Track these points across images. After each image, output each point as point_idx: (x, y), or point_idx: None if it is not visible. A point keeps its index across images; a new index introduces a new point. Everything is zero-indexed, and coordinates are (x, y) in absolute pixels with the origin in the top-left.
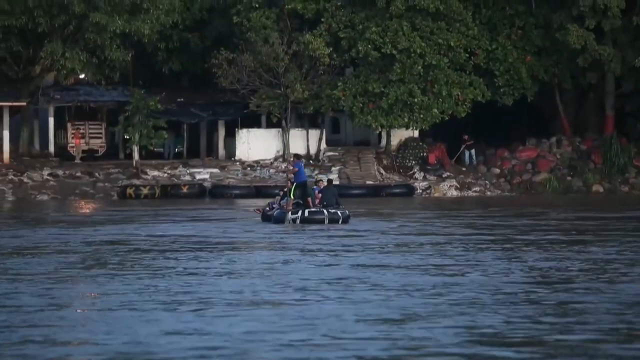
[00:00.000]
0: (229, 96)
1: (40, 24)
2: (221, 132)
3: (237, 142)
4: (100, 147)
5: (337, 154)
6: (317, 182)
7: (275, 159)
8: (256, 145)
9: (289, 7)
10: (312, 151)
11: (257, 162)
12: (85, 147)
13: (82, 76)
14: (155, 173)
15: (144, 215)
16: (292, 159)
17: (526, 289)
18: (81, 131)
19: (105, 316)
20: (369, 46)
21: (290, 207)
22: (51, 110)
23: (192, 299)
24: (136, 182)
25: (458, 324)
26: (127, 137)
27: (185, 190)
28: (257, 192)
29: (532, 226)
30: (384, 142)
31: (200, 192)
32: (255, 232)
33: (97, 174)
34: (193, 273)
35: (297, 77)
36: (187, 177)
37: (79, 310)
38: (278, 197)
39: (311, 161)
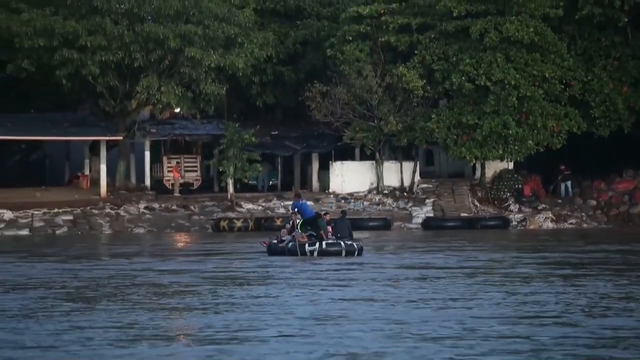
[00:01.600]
0: (323, 129)
1: (137, 58)
2: (315, 165)
3: (330, 175)
4: (196, 180)
5: (431, 186)
6: (320, 215)
7: (369, 191)
8: (350, 177)
9: (383, 39)
10: (406, 183)
11: (350, 194)
12: (181, 181)
13: (177, 110)
14: (250, 206)
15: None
16: (295, 198)
17: None
18: (186, 165)
19: None
20: (463, 78)
21: (305, 239)
22: (147, 144)
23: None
24: (231, 214)
25: None
26: (222, 170)
27: (278, 223)
28: (351, 224)
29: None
30: (478, 174)
31: (294, 225)
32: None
33: (192, 207)
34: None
35: (390, 110)
36: (282, 210)
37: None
38: (284, 230)
39: (405, 193)
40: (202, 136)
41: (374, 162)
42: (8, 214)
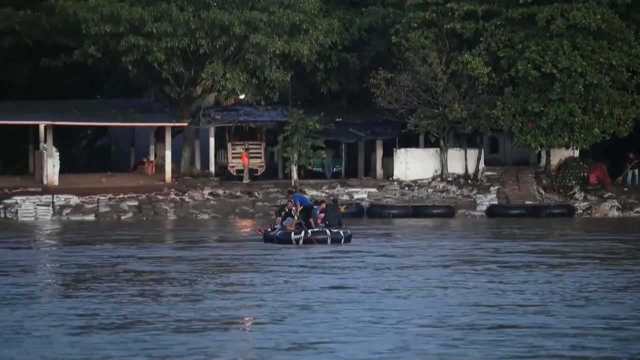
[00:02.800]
0: (387, 116)
1: (202, 45)
2: (379, 152)
3: (395, 162)
4: (260, 166)
5: (495, 173)
6: (318, 202)
7: (433, 178)
8: (414, 164)
9: (448, 26)
10: (470, 171)
11: (414, 181)
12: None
13: (242, 96)
14: (314, 192)
15: None
16: (289, 195)
17: None
18: (250, 151)
19: None
20: (529, 65)
21: (293, 228)
22: (212, 131)
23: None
24: None
25: None
26: (286, 156)
27: (342, 209)
28: (414, 211)
29: None
30: (543, 161)
31: (358, 212)
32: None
33: (256, 194)
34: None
35: (455, 97)
36: (345, 197)
37: None
38: (279, 218)
39: (469, 181)
40: (267, 123)
41: (438, 149)
42: (74, 200)
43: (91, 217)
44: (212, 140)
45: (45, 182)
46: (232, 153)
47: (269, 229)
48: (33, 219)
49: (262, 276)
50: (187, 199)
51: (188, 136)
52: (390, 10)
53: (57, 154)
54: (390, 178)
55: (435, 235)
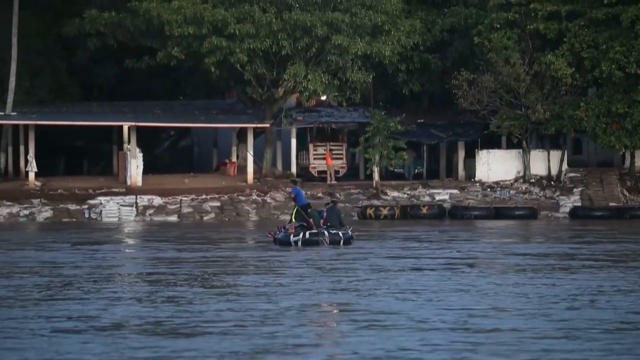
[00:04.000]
0: (469, 117)
1: (284, 46)
2: (461, 153)
3: (477, 163)
4: (341, 167)
5: (579, 175)
6: (326, 204)
7: (516, 180)
8: (496, 166)
9: (531, 27)
10: (553, 172)
11: (497, 183)
12: (325, 168)
13: (323, 98)
14: (395, 194)
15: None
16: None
17: None
18: (338, 152)
19: None
20: (613, 66)
21: (293, 230)
22: (293, 132)
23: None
24: (376, 202)
25: None
26: (368, 157)
27: (424, 211)
28: (496, 213)
29: None
30: (627, 163)
31: (439, 213)
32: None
33: (337, 194)
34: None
35: (538, 98)
36: (427, 198)
37: None
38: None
39: (552, 182)
40: (348, 124)
41: (520, 150)
42: (157, 200)
43: (174, 218)
44: (293, 142)
45: (128, 182)
46: (314, 154)
47: (278, 232)
48: (116, 219)
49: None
50: (268, 200)
51: (270, 137)
52: (472, 10)
53: (141, 154)
54: (472, 179)
55: (518, 236)
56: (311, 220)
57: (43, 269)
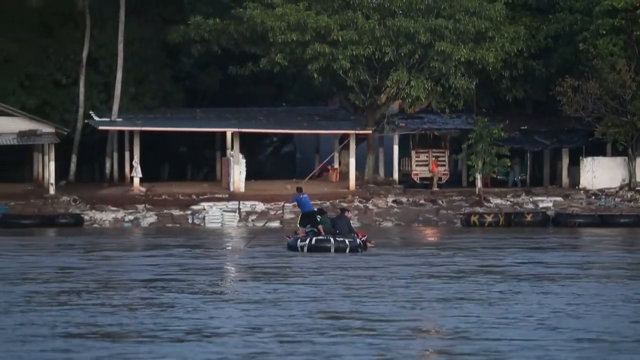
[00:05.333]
0: (573, 124)
1: (387, 53)
2: (565, 160)
3: (581, 170)
4: (444, 174)
5: None
6: (323, 211)
7: (621, 187)
8: (601, 173)
9: (637, 33)
10: None
11: (601, 190)
12: (429, 175)
13: (426, 104)
14: (498, 201)
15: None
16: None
17: None
18: (440, 159)
19: None
20: None
21: (302, 235)
22: (396, 138)
23: None
24: (479, 209)
25: None
26: (470, 164)
27: (528, 218)
28: (601, 221)
29: None
30: None
31: (543, 221)
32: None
33: (440, 201)
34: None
35: None
36: (530, 206)
37: None
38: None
39: None
40: (451, 130)
41: (626, 158)
42: (260, 206)
43: (276, 224)
44: (396, 148)
45: (231, 188)
46: (416, 161)
47: (292, 237)
48: (219, 225)
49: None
50: (370, 206)
51: (372, 144)
52: (577, 17)
53: (244, 160)
54: (577, 187)
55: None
56: (320, 226)
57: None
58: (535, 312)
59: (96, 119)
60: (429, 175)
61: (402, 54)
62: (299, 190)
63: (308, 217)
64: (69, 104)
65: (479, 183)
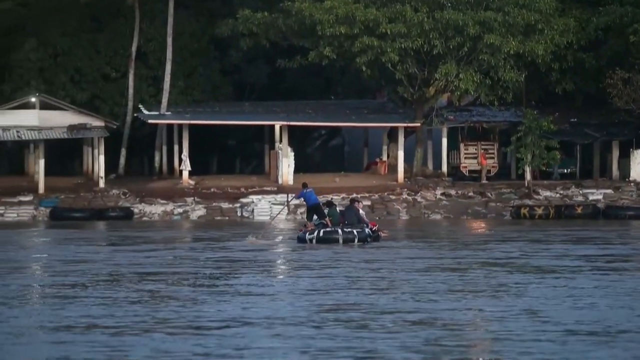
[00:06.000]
0: (624, 116)
1: (436, 46)
2: (615, 153)
3: (631, 163)
4: (493, 167)
5: None
6: (331, 204)
7: None
8: None
9: None
10: None
11: None
12: (478, 167)
13: (474, 97)
14: (547, 193)
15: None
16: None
17: None
18: (489, 152)
19: None
20: None
21: (311, 227)
22: (444, 131)
23: None
24: (528, 202)
25: None
26: (519, 157)
27: (579, 210)
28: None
29: None
30: None
31: (594, 213)
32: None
33: (489, 194)
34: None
35: None
36: (580, 198)
37: None
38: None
39: None
40: (500, 123)
41: None
42: None
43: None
44: (444, 141)
45: (280, 181)
46: (465, 153)
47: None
48: (268, 217)
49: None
50: (419, 199)
51: (421, 136)
52: (628, 9)
53: (292, 153)
54: (627, 179)
55: None
56: (328, 218)
57: None
58: None
59: (145, 112)
60: (477, 167)
61: (451, 47)
62: (304, 185)
63: (314, 210)
64: (118, 98)
65: (528, 175)
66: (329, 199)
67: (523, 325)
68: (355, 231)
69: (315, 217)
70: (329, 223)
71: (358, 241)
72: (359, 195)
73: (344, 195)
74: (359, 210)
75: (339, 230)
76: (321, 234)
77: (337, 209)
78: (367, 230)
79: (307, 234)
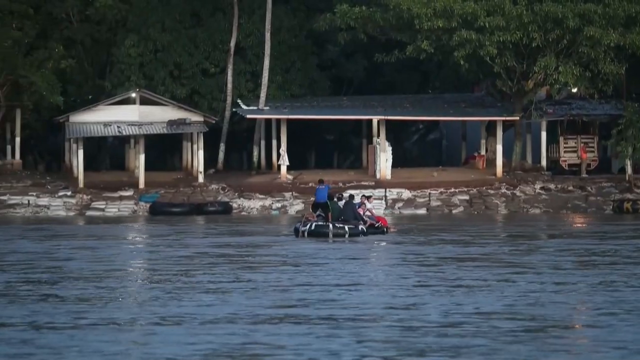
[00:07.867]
0: None
1: (535, 38)
2: None
3: None
4: (593, 161)
5: None
6: (341, 198)
7: None
8: None
9: None
10: None
11: None
12: (578, 161)
13: (574, 90)
14: None
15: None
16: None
17: None
18: (589, 145)
19: None
20: None
21: (312, 218)
22: (543, 124)
23: None
24: (629, 196)
25: None
26: (620, 151)
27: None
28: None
29: None
30: None
31: None
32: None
33: (589, 188)
34: None
35: None
36: None
37: None
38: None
39: None
40: (600, 116)
41: None
42: (406, 193)
43: (422, 211)
44: (543, 134)
45: (378, 176)
46: (564, 147)
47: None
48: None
49: None
50: (518, 193)
51: (519, 130)
52: None
53: (390, 148)
54: None
55: None
56: (329, 213)
57: None
58: None
59: (244, 107)
60: (577, 161)
61: (550, 40)
62: (321, 182)
63: (320, 206)
64: (217, 93)
65: (629, 169)
66: (340, 194)
67: None
68: (346, 227)
69: (319, 210)
70: (329, 218)
71: (349, 237)
72: (456, 190)
73: (441, 189)
74: (361, 206)
75: (330, 225)
76: (313, 227)
77: (340, 203)
78: (360, 226)
79: (301, 226)
